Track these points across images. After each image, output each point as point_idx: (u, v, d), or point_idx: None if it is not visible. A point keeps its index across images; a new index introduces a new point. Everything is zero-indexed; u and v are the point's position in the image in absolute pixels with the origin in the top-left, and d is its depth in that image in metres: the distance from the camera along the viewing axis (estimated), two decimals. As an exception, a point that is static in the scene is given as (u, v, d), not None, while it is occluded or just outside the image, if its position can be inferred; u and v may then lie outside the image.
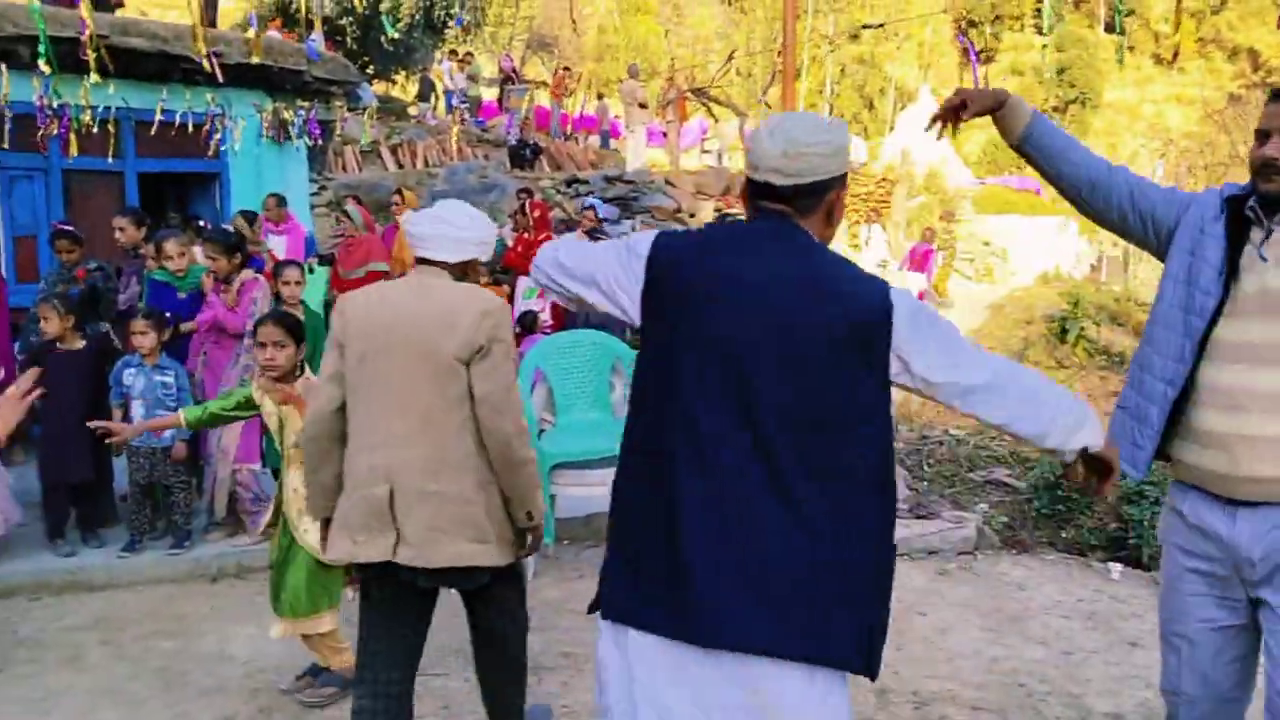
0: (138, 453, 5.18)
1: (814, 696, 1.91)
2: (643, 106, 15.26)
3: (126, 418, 5.02)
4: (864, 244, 15.82)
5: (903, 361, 1.93)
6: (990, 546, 5.62)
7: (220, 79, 5.77)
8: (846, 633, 1.91)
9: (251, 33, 7.27)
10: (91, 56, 5.40)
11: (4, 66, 7.07)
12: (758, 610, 1.88)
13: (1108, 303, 14.78)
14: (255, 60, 7.38)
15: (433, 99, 20.45)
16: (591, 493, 5.32)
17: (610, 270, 2.07)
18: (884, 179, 16.67)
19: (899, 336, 1.91)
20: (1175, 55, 37.75)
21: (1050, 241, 18.31)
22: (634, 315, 2.06)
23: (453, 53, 20.43)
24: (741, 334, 1.92)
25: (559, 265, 2.14)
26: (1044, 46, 35.52)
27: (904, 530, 5.52)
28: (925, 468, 7.28)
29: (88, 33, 5.17)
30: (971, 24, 42.82)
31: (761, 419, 1.90)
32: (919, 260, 14.74)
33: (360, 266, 8.12)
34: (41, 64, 5.59)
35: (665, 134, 17.18)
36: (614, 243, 2.16)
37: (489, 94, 22.16)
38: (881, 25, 29.05)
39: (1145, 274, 18.19)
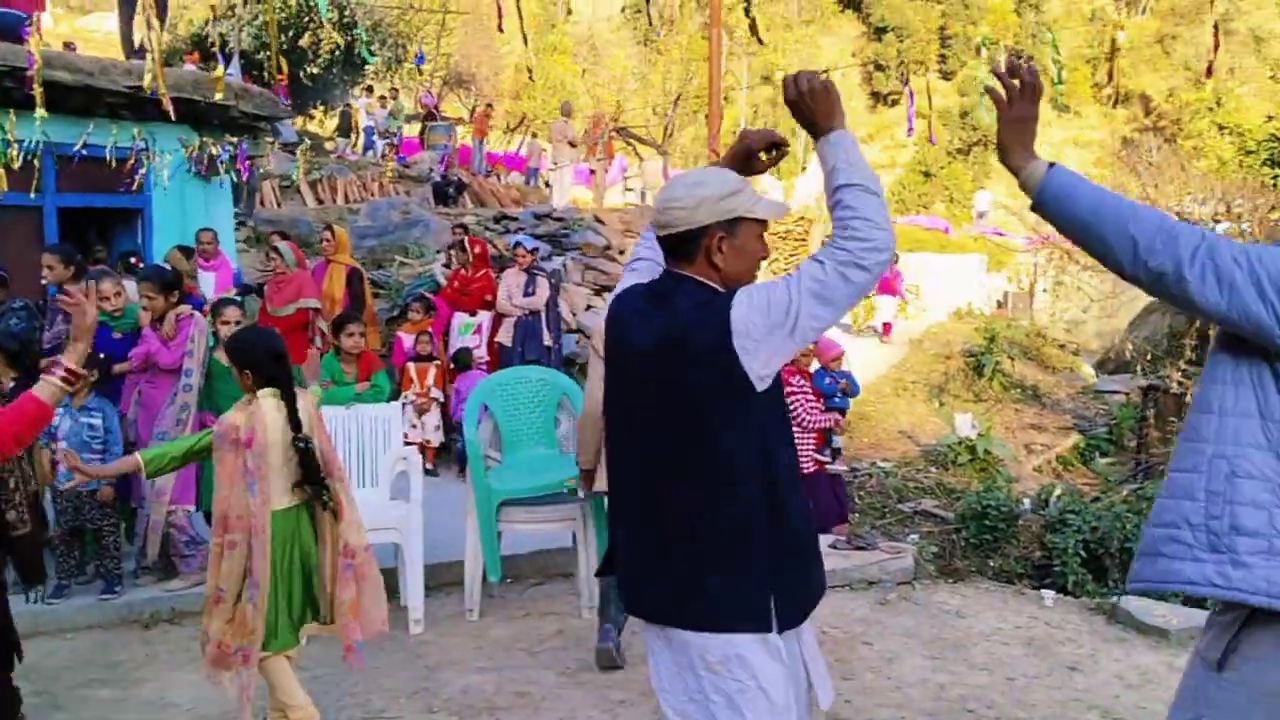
0: (62, 495, 5.00)
1: None
2: (572, 145, 15.39)
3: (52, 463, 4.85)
4: None
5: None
6: (927, 576, 5.78)
7: (173, 116, 5.65)
8: None
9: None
10: (38, 91, 5.25)
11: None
12: None
13: (1019, 338, 15.35)
14: (219, 97, 7.25)
15: (352, 135, 20.28)
16: (538, 529, 5.32)
17: None
18: (802, 218, 17.05)
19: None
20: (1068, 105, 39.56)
21: (961, 278, 18.94)
22: None
23: (369, 89, 20.30)
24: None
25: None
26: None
27: (844, 561, 5.64)
28: (856, 499, 7.46)
29: (35, 68, 5.02)
30: (879, 67, 44.21)
31: None
32: (886, 283, 15.01)
33: (290, 303, 7.98)
34: None
35: (592, 171, 17.34)
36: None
37: (409, 130, 22.08)
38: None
39: (1047, 306, 18.99)
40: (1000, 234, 28.57)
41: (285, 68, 15.22)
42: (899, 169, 38.81)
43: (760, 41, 43.05)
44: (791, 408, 6.24)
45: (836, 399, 6.65)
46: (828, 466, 6.44)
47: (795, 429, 6.08)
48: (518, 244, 9.01)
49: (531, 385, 5.68)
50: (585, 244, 11.83)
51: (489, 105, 23.27)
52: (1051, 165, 2.12)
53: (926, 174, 37.10)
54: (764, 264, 2.74)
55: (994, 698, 4.18)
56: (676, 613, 2.18)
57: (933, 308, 17.26)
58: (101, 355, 5.11)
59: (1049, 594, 5.54)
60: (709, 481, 2.16)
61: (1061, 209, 2.10)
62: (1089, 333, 20.25)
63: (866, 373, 12.66)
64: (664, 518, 2.21)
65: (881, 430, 10.29)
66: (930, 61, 42.12)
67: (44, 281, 5.95)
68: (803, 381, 6.43)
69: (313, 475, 3.35)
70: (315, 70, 18.01)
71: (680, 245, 2.21)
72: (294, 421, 3.33)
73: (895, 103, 46.88)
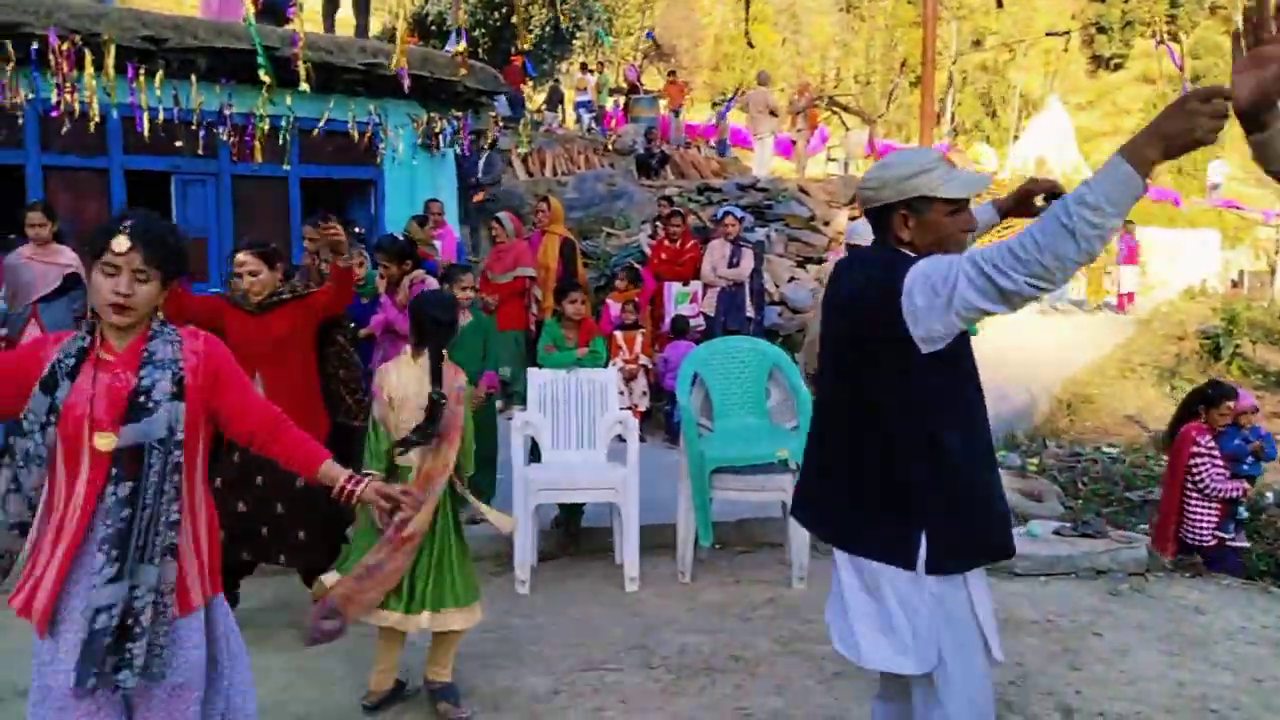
0: None
1: None
2: (773, 114, 15.21)
3: None
4: None
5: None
6: (1161, 569, 5.42)
7: (406, 91, 6.03)
8: None
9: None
10: (302, 69, 5.70)
11: (193, 77, 7.53)
12: None
13: (1261, 319, 14.09)
14: (462, 73, 7.71)
15: (560, 109, 20.79)
16: (747, 498, 5.34)
17: None
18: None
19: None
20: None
21: (1193, 254, 17.56)
22: None
23: (584, 65, 20.72)
24: None
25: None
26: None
27: (1070, 549, 5.38)
28: (1079, 485, 7.08)
29: (300, 46, 5.45)
30: (1100, 30, 41.43)
31: None
32: (1131, 252, 14.53)
33: (508, 271, 8.32)
34: (262, 75, 5.93)
35: (793, 142, 17.09)
36: None
37: (613, 104, 22.44)
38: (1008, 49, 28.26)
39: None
40: (1236, 206, 26.27)
41: (520, 46, 15.80)
42: (1121, 136, 36.29)
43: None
44: (1195, 472, 5.86)
45: (1245, 465, 5.86)
46: (1228, 542, 5.86)
47: (1196, 498, 5.85)
48: (726, 213, 9.01)
49: (743, 355, 5.70)
50: (789, 215, 11.69)
51: (672, 74, 23.30)
52: None
53: (1153, 142, 34.49)
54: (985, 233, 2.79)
55: (1240, 699, 3.89)
56: (836, 536, 2.52)
57: (1162, 285, 16.11)
58: (351, 323, 5.48)
59: (1302, 595, 5.09)
60: (867, 425, 2.42)
61: None
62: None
63: (1091, 352, 11.99)
64: (835, 452, 2.53)
65: (1106, 414, 9.70)
66: (1158, 23, 39.05)
67: (308, 248, 6.43)
68: (1211, 443, 5.85)
69: (424, 427, 3.46)
70: (525, 46, 18.57)
71: (875, 220, 2.46)
72: (435, 376, 3.52)
73: (1119, 66, 43.84)
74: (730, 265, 8.58)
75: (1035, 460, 7.61)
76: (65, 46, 6.42)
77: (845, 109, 21.86)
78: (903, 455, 2.37)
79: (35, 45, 6.82)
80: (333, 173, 9.03)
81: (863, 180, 2.52)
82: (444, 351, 3.61)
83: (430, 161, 9.28)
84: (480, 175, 11.79)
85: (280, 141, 8.26)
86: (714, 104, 24.88)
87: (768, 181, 13.27)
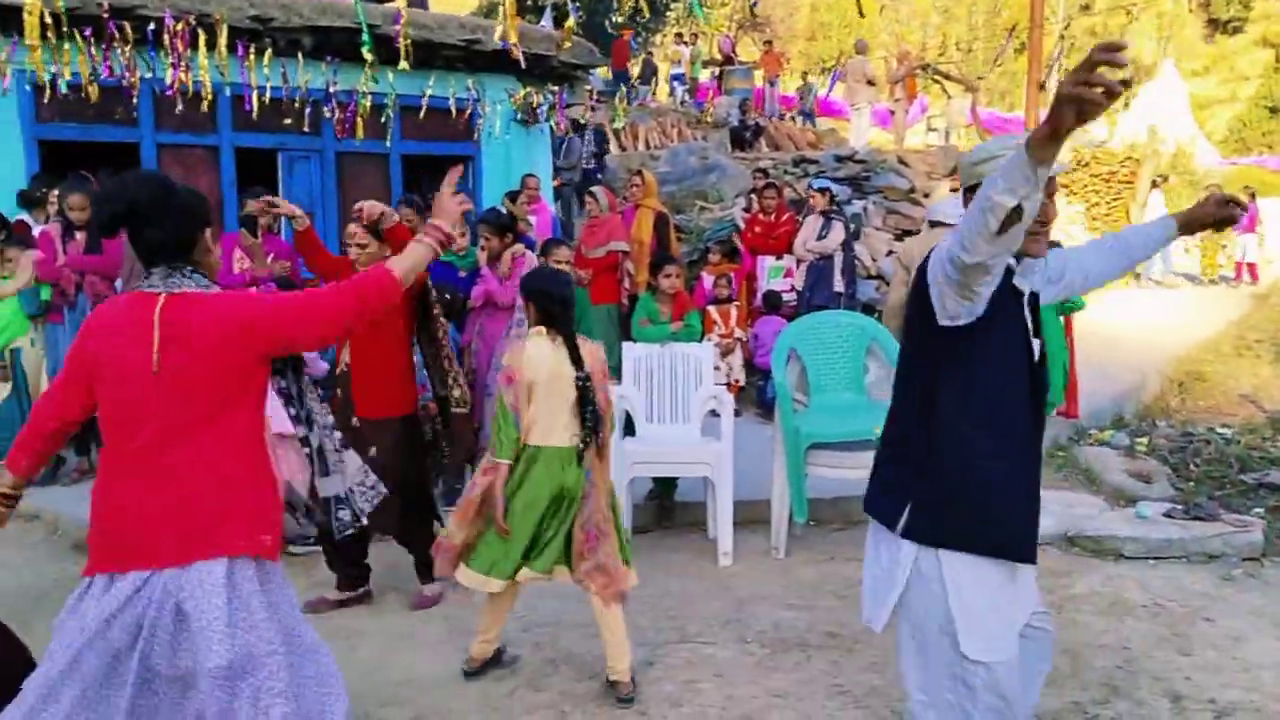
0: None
1: None
2: (870, 84, 14.89)
3: None
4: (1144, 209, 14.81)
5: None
6: (1278, 553, 5.20)
7: (516, 64, 6.09)
8: None
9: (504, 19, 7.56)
10: (404, 46, 5.82)
11: (299, 56, 7.73)
12: None
13: (1393, 296, 13.32)
14: (567, 46, 7.79)
15: (654, 82, 20.71)
16: (844, 475, 5.28)
17: None
18: (1129, 158, 15.57)
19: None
20: None
21: (1317, 228, 16.65)
22: None
23: (679, 35, 20.59)
24: None
25: None
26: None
27: (1181, 532, 5.20)
28: (1191, 467, 6.81)
29: (402, 23, 5.56)
30: (1218, -10, 39.39)
31: None
32: (1251, 219, 13.96)
33: (601, 246, 8.35)
34: (365, 52, 6.08)
35: (891, 112, 16.72)
36: None
37: (706, 75, 22.25)
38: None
39: None
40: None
41: (619, 20, 15.82)
42: (1239, 104, 34.49)
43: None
44: None
45: None
46: None
47: None
48: (823, 188, 8.89)
49: (841, 330, 5.62)
50: (888, 187, 11.47)
51: (768, 44, 22.94)
52: None
53: (1274, 110, 32.70)
54: (1083, 210, 2.80)
55: (1368, 694, 3.72)
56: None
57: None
58: (448, 295, 5.59)
59: None
60: (899, 393, 2.61)
61: None
62: None
63: (1204, 328, 11.51)
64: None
65: (1219, 392, 9.30)
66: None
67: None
68: None
69: (586, 414, 3.51)
70: (619, 19, 18.52)
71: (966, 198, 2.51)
72: (575, 359, 3.51)
73: (1237, 30, 41.63)
74: (819, 238, 8.47)
75: (1145, 440, 7.34)
76: (180, 27, 6.65)
77: (946, 77, 21.24)
78: (906, 419, 2.55)
79: (151, 26, 7.07)
80: (432, 148, 9.17)
81: (969, 154, 2.51)
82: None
83: (526, 136, 9.36)
84: (560, 160, 11.82)
85: (381, 119, 8.43)
86: (803, 75, 24.43)
87: (866, 153, 13.02)
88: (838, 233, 8.48)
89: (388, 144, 8.62)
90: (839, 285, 8.47)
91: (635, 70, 21.74)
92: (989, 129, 19.19)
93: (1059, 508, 5.50)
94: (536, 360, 3.52)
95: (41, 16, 5.64)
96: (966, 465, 2.40)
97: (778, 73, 21.23)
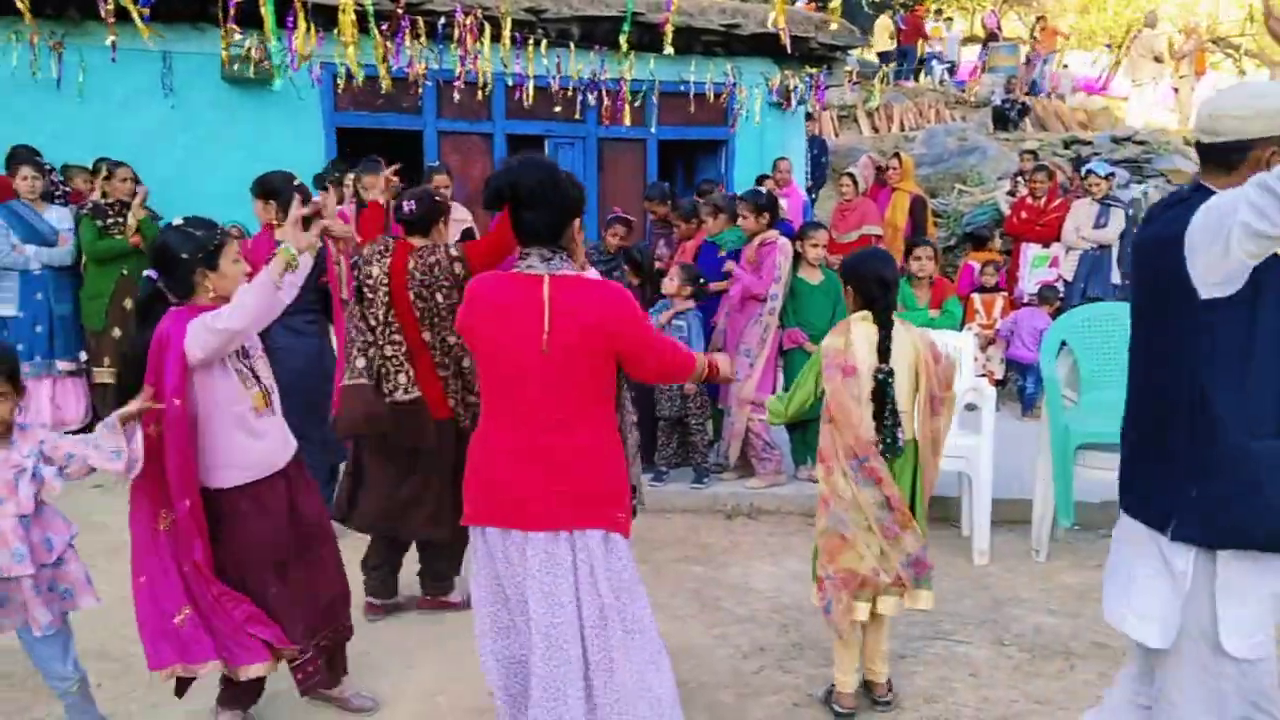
0: (670, 389, 5.65)
1: None
2: (1157, 60, 13.73)
3: None
4: None
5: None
6: None
7: (789, 51, 6.12)
8: None
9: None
10: (669, 32, 6.01)
11: (570, 45, 8.08)
12: None
13: None
14: (833, 27, 7.78)
15: (910, 61, 20.02)
16: (1113, 478, 4.95)
17: None
18: None
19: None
20: None
21: None
22: None
23: (938, 11, 19.82)
24: None
25: None
26: None
27: None
28: None
29: (673, 8, 5.72)
30: None
31: None
32: None
33: (854, 230, 8.23)
34: (622, 40, 6.32)
35: (1176, 90, 15.37)
36: None
37: (966, 53, 21.29)
38: None
39: None
40: None
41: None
42: None
43: None
44: None
45: None
46: None
47: None
48: (1089, 171, 8.32)
49: (1119, 323, 5.25)
50: (1172, 170, 10.57)
51: (1041, 19, 21.52)
52: None
53: None
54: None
55: None
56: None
57: None
58: (701, 280, 5.67)
59: None
60: (1149, 381, 2.33)
61: None
62: None
63: None
64: (1126, 413, 2.47)
65: None
66: None
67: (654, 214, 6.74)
68: None
69: (879, 411, 3.15)
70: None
71: (1222, 155, 2.20)
72: (882, 350, 3.17)
73: None
74: (1096, 226, 7.93)
75: None
76: (469, 21, 7.11)
77: (1247, 53, 19.21)
78: (1168, 414, 2.27)
79: (442, 20, 7.60)
80: (688, 134, 9.33)
81: (1220, 107, 2.20)
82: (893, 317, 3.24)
83: (780, 120, 9.33)
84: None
85: (639, 104, 8.65)
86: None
87: (1147, 134, 12.04)
88: (1118, 220, 7.92)
89: (651, 129, 8.84)
90: (1116, 277, 7.91)
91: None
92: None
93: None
94: (859, 346, 3.19)
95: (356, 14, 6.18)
96: (1244, 456, 2.17)
97: (1053, 48, 19.96)
